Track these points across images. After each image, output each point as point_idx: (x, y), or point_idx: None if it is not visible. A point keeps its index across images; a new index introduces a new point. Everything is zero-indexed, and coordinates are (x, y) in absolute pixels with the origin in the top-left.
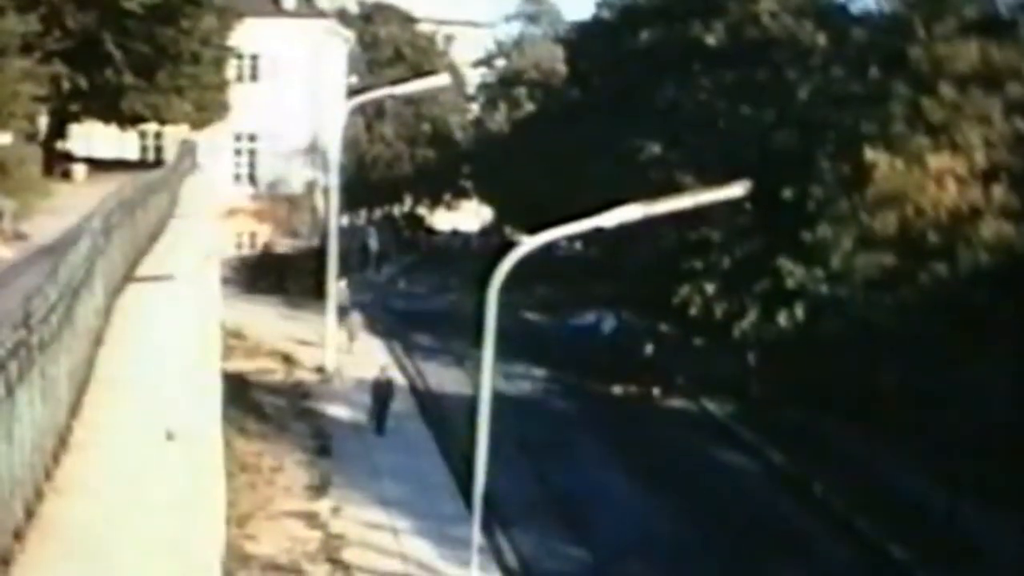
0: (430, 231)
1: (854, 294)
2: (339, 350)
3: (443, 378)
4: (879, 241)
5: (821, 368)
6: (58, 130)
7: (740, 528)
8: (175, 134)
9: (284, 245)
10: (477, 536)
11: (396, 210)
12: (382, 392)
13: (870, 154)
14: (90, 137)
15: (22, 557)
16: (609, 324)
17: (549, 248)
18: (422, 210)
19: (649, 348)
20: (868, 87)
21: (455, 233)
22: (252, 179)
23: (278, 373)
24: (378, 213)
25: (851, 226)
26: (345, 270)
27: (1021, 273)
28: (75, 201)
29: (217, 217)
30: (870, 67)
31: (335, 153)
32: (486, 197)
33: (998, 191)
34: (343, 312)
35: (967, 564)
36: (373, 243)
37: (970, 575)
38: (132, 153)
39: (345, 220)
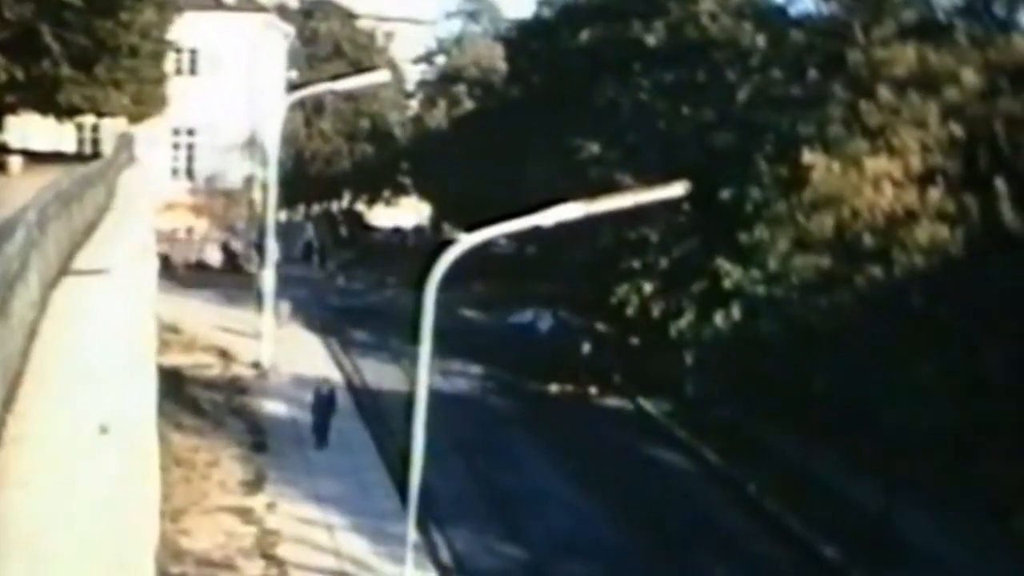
0: (368, 227)
1: (790, 295)
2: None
3: (380, 375)
4: (816, 243)
5: (757, 368)
6: None
7: (673, 527)
8: (113, 127)
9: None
10: (412, 533)
11: (335, 206)
12: (324, 404)
13: (808, 156)
14: (26, 129)
15: None
16: (546, 322)
17: (487, 246)
18: (360, 206)
19: (586, 347)
20: (806, 89)
21: (396, 230)
22: (190, 173)
23: (214, 368)
24: (316, 209)
25: (788, 228)
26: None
27: (956, 276)
28: (10, 193)
29: (154, 211)
30: (808, 69)
31: (273, 148)
32: (425, 194)
33: (934, 194)
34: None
35: (900, 565)
36: (310, 238)
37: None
38: (69, 145)
39: (283, 215)
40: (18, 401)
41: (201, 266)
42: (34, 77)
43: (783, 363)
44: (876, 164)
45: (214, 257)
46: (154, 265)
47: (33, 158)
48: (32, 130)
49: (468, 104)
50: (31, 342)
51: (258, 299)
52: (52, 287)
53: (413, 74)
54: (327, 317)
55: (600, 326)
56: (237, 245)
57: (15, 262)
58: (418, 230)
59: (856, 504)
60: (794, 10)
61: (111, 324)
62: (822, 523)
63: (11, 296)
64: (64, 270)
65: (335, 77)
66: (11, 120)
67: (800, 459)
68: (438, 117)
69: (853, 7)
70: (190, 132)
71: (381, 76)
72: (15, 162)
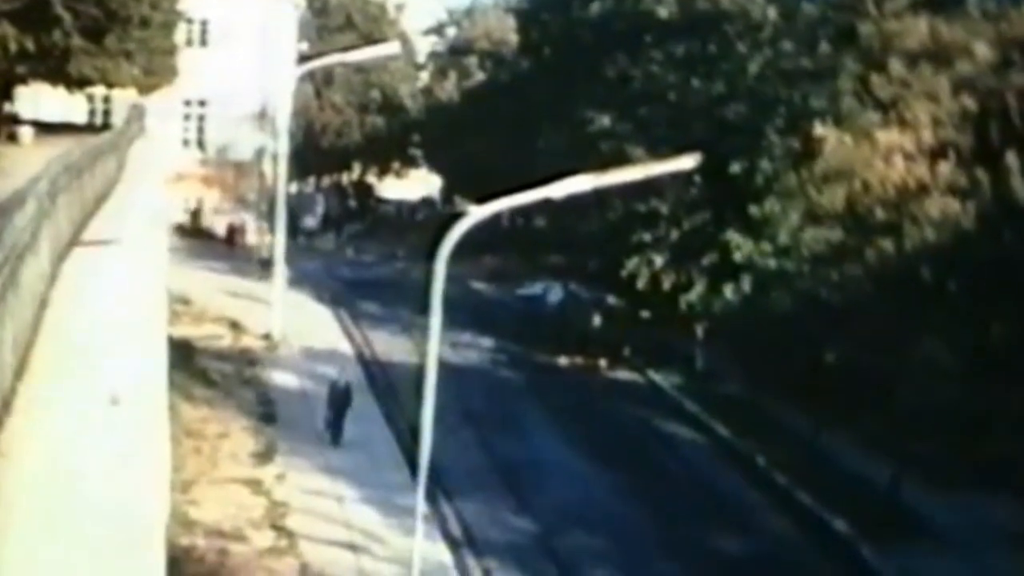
0: (378, 199)
1: (801, 268)
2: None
3: (390, 347)
4: (826, 216)
5: (767, 342)
6: (4, 92)
7: (683, 500)
8: (124, 98)
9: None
10: (422, 505)
11: (345, 178)
12: (339, 398)
13: (819, 129)
14: (37, 100)
15: None
16: (556, 295)
17: (498, 218)
18: (371, 178)
19: (596, 319)
20: (818, 62)
21: (406, 202)
22: (200, 144)
23: (225, 339)
24: (327, 181)
25: (799, 200)
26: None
27: (967, 250)
28: (21, 164)
29: (165, 182)
30: (820, 42)
31: (284, 120)
32: (435, 166)
33: (945, 168)
34: (266, 264)
35: (909, 540)
36: (320, 210)
37: (912, 550)
38: (80, 116)
39: (294, 187)
40: (29, 371)
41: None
42: (45, 48)
43: (793, 336)
44: (887, 137)
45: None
46: (164, 236)
47: (44, 129)
48: (43, 101)
49: (479, 76)
50: (42, 312)
51: (261, 268)
52: (63, 258)
53: (424, 46)
54: (337, 289)
55: (610, 299)
56: (235, 218)
57: (26, 233)
58: (428, 202)
59: (865, 478)
60: None
61: (121, 295)
62: (831, 497)
63: (22, 267)
64: (75, 241)
65: (346, 49)
66: (22, 91)
67: (810, 433)
68: (449, 89)
69: None
70: (201, 103)
71: (392, 48)
72: (26, 133)
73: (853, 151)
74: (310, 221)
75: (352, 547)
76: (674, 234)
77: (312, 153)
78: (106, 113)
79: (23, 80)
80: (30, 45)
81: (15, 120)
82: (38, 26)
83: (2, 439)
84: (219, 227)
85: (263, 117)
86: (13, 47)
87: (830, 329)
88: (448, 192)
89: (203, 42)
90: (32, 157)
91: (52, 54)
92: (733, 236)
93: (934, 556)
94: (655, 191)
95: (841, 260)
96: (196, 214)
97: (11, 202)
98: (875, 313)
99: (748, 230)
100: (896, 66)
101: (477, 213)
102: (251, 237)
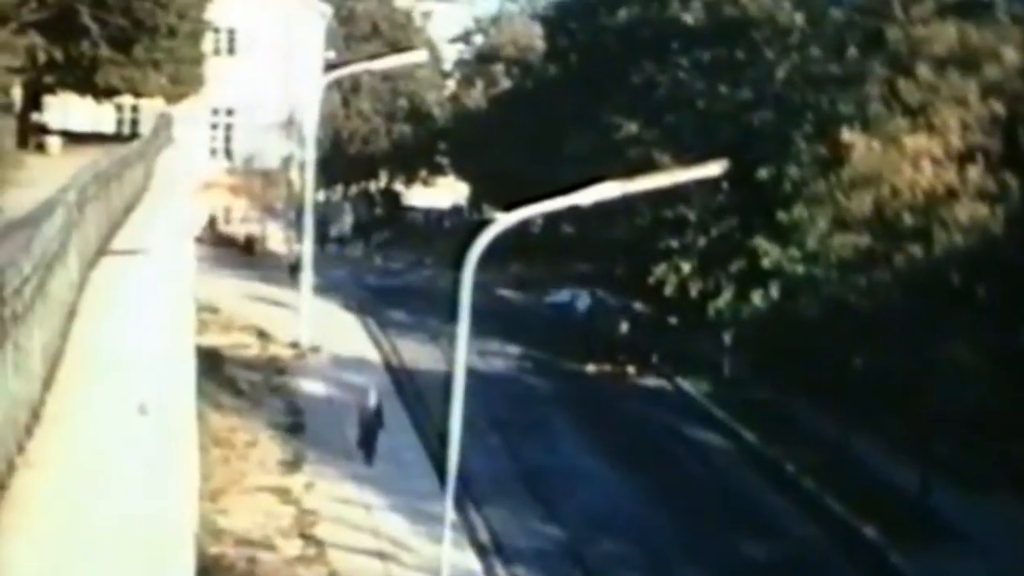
0: (405, 208)
1: (829, 274)
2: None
3: (418, 355)
4: (855, 222)
5: (795, 348)
6: (33, 102)
7: (711, 507)
8: (151, 107)
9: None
10: (450, 512)
11: (372, 186)
12: (370, 419)
13: (847, 135)
14: (66, 109)
15: None
16: (584, 302)
17: (525, 225)
18: (398, 186)
19: (624, 326)
20: (845, 68)
21: (433, 210)
22: (228, 153)
23: (253, 348)
24: (354, 189)
25: (827, 206)
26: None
27: (996, 255)
28: (49, 174)
29: (192, 191)
30: (848, 47)
31: (311, 128)
32: (462, 174)
33: (974, 172)
34: (295, 269)
35: (938, 543)
36: (348, 218)
37: (941, 554)
38: (108, 126)
39: (321, 195)
40: (57, 381)
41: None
42: (73, 58)
43: (821, 342)
44: (916, 142)
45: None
46: (192, 245)
47: (72, 139)
48: (71, 111)
49: (505, 83)
50: (70, 322)
51: (289, 276)
52: (91, 267)
53: (450, 53)
54: (365, 297)
55: (638, 305)
56: (254, 227)
57: (54, 242)
58: (455, 210)
59: (894, 483)
60: None
61: (150, 304)
62: (859, 502)
63: (50, 276)
64: (103, 250)
65: (372, 57)
66: (50, 101)
67: (838, 439)
68: (475, 97)
69: None
70: (228, 112)
71: (418, 56)
72: (54, 143)
73: (881, 156)
74: (339, 229)
75: (380, 555)
76: (701, 241)
77: (339, 161)
78: (134, 123)
79: (51, 90)
80: (58, 55)
81: (44, 130)
82: (66, 36)
83: (31, 449)
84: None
85: (290, 125)
86: (42, 57)
87: (858, 334)
88: (475, 200)
89: (230, 51)
90: (60, 167)
91: (80, 64)
92: (761, 242)
93: (964, 560)
94: (682, 198)
95: (869, 266)
96: (212, 222)
97: (40, 212)
98: (903, 318)
99: (776, 236)
100: (924, 71)
101: (504, 220)
102: (277, 245)
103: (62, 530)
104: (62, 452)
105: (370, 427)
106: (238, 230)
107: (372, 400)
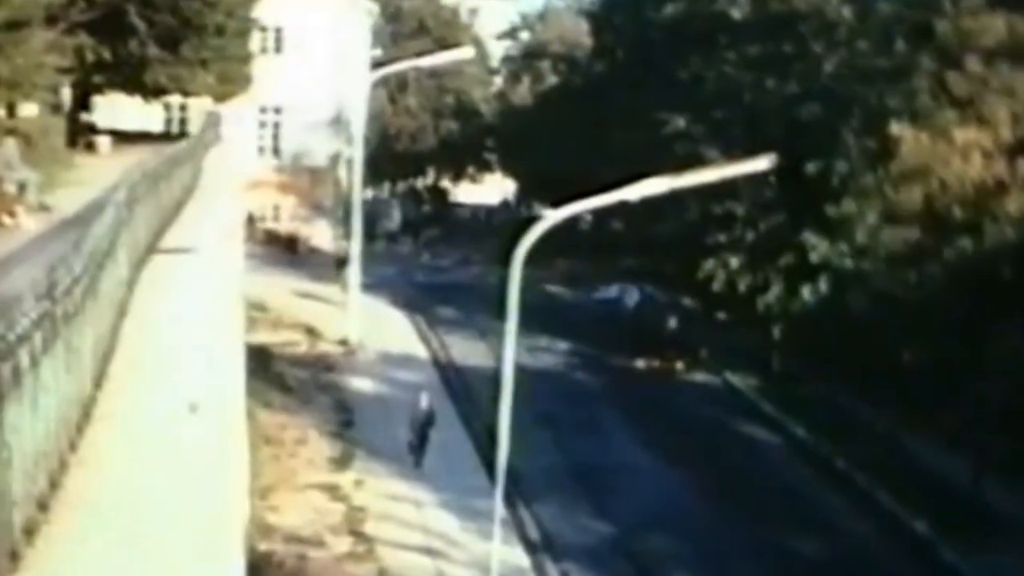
0: (453, 204)
1: (878, 268)
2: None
3: (466, 351)
4: (904, 215)
5: (845, 342)
6: (82, 102)
7: (761, 502)
8: (199, 106)
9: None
10: (500, 509)
11: (420, 183)
12: (422, 423)
13: (895, 128)
14: (115, 109)
15: (46, 528)
16: (632, 298)
17: (573, 221)
18: (445, 183)
19: (672, 322)
20: (894, 61)
21: (481, 207)
22: (276, 151)
23: (301, 345)
24: (402, 186)
25: (876, 200)
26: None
27: None
28: (99, 173)
29: (241, 189)
30: (896, 41)
31: (359, 125)
32: (510, 170)
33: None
34: (342, 264)
35: (991, 539)
36: (397, 215)
37: (994, 551)
38: (156, 125)
39: (369, 193)
40: (109, 379)
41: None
42: (121, 58)
43: (871, 337)
44: (965, 135)
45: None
46: (241, 243)
47: (121, 138)
48: (120, 110)
49: (552, 79)
50: (120, 320)
51: (339, 271)
52: (141, 266)
53: (497, 50)
54: (413, 294)
55: (686, 301)
56: (297, 226)
57: (105, 241)
58: (503, 206)
59: (945, 478)
60: None
61: (199, 302)
62: (911, 497)
63: (101, 275)
64: (153, 249)
65: (419, 54)
66: (99, 101)
67: (889, 433)
68: (522, 93)
69: None
70: (276, 110)
71: (465, 52)
72: (103, 142)
73: (930, 150)
74: (387, 226)
75: (430, 552)
76: (750, 235)
77: (387, 158)
78: (182, 121)
79: (100, 90)
80: (107, 55)
81: (93, 130)
82: (114, 36)
83: (83, 447)
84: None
85: (338, 123)
86: (90, 57)
87: (908, 328)
88: (523, 196)
89: (278, 49)
90: (110, 166)
91: (129, 64)
92: (809, 237)
93: (1017, 555)
94: (731, 193)
95: (919, 259)
96: (251, 220)
97: (90, 211)
98: (953, 311)
99: (825, 231)
100: (973, 63)
101: (552, 216)
102: (325, 243)
103: (113, 527)
104: (113, 450)
105: (422, 431)
106: (286, 228)
107: (424, 403)
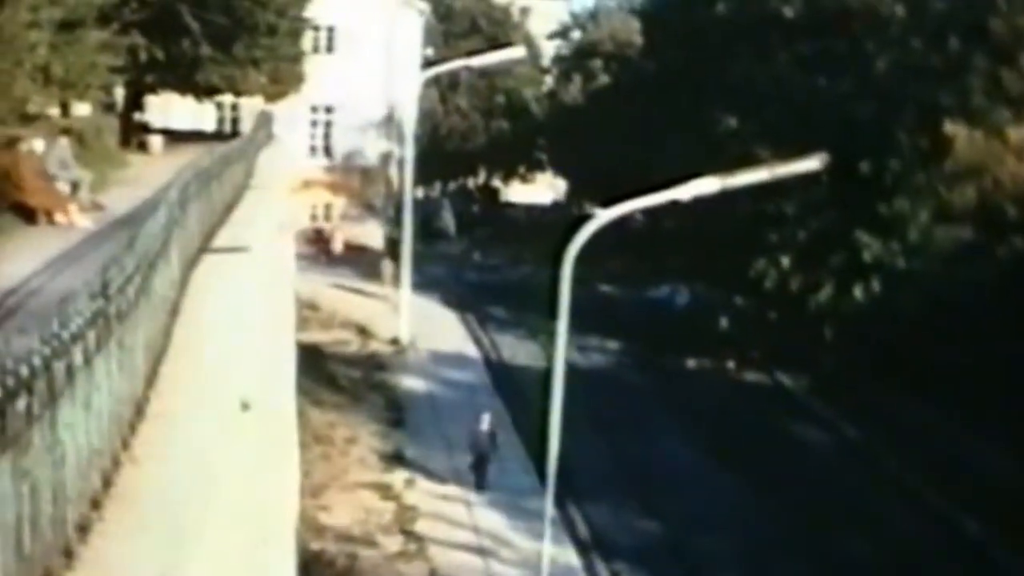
0: (504, 204)
1: (931, 267)
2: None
3: (517, 350)
4: (957, 214)
5: (897, 342)
6: (135, 101)
7: (813, 503)
8: (251, 105)
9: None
10: (550, 508)
11: (471, 182)
12: (482, 444)
13: (949, 126)
14: (167, 108)
15: (100, 525)
16: (683, 297)
17: (624, 220)
18: (496, 182)
19: (724, 321)
20: (947, 59)
21: (532, 206)
22: (327, 151)
23: (352, 344)
24: (452, 185)
25: (929, 199)
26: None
27: None
28: (151, 172)
29: (292, 189)
30: (949, 38)
31: (410, 125)
32: (561, 170)
33: None
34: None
35: None
36: (450, 215)
37: None
38: (208, 124)
39: (420, 192)
40: (161, 377)
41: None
42: (173, 57)
43: (924, 336)
44: (1019, 133)
45: None
46: (292, 243)
47: (173, 137)
48: (172, 110)
49: (604, 79)
50: (173, 319)
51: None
52: (193, 265)
53: (548, 49)
54: (464, 293)
55: (738, 300)
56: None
57: (157, 241)
58: (554, 206)
59: (1000, 480)
60: None
61: (251, 301)
62: (964, 498)
63: (153, 274)
64: (205, 248)
65: (471, 53)
66: (152, 100)
67: (941, 434)
68: (574, 92)
69: None
70: (327, 110)
71: (517, 52)
72: (156, 141)
73: (984, 148)
74: (440, 225)
75: (481, 551)
76: (802, 234)
77: (438, 158)
78: (234, 121)
79: (153, 89)
80: (160, 55)
81: (145, 129)
82: (167, 36)
83: (135, 445)
84: (345, 233)
85: (389, 123)
86: (143, 57)
87: (962, 328)
88: (574, 195)
89: (330, 49)
90: (162, 165)
91: (181, 63)
92: (862, 236)
93: None
94: (782, 192)
95: (972, 258)
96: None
97: (143, 211)
98: (1006, 310)
99: (877, 229)
100: None
101: (603, 216)
102: (376, 242)
103: (166, 525)
104: (166, 449)
105: (483, 452)
106: (327, 227)
107: (485, 424)
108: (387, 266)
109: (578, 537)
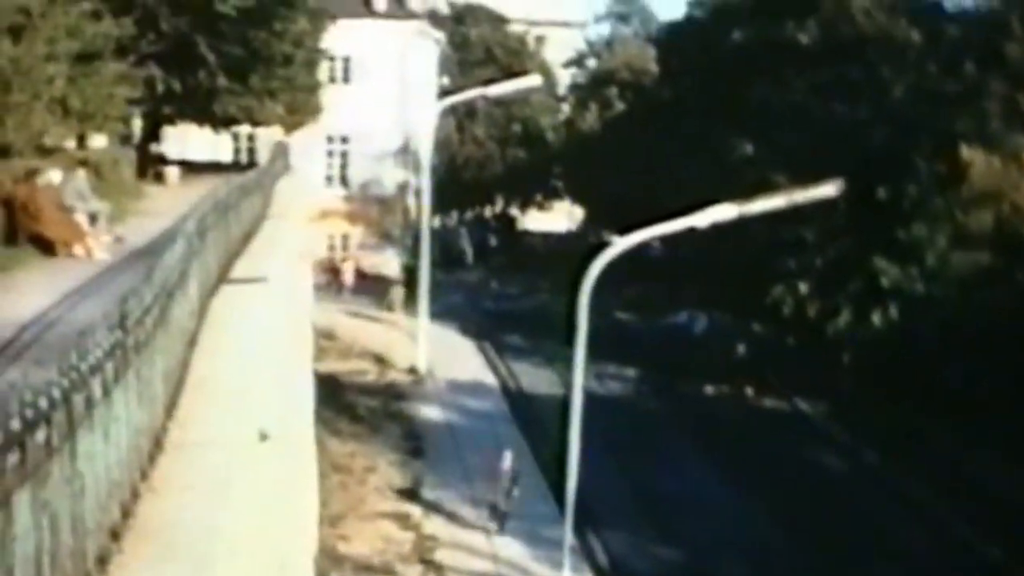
0: (521, 232)
1: (949, 293)
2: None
3: (534, 379)
4: (975, 239)
5: (916, 368)
6: (152, 132)
7: (832, 529)
8: (268, 136)
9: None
10: (569, 536)
11: (487, 211)
12: (506, 484)
13: (965, 152)
14: (183, 139)
15: (119, 556)
16: (701, 324)
17: (641, 248)
18: (513, 211)
19: (741, 348)
20: (963, 84)
21: (549, 235)
22: (344, 181)
23: (370, 374)
24: (469, 214)
25: (946, 224)
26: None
27: None
28: (169, 203)
29: (309, 219)
30: (965, 64)
31: (426, 154)
32: (578, 197)
33: None
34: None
35: None
36: (465, 244)
37: None
38: (225, 155)
39: (437, 221)
40: (180, 408)
41: None
42: (190, 88)
43: (943, 362)
44: None
45: None
46: (309, 273)
47: (190, 168)
48: (189, 141)
49: (620, 107)
50: (191, 350)
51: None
52: (211, 295)
53: (564, 78)
54: (482, 321)
55: (756, 327)
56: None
57: (175, 272)
58: (571, 234)
59: (1021, 504)
60: (950, 4)
61: (269, 331)
62: (984, 522)
63: (172, 305)
64: (223, 278)
65: (487, 82)
66: (168, 131)
67: (962, 460)
68: (590, 120)
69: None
70: (344, 140)
71: (533, 80)
72: (173, 172)
73: (1001, 173)
74: (456, 254)
75: None
76: (819, 261)
77: (454, 187)
78: (251, 151)
79: (170, 120)
80: (177, 86)
81: (162, 160)
82: (184, 67)
83: (154, 476)
84: (362, 263)
85: (405, 152)
86: (160, 88)
87: (980, 353)
88: (591, 223)
89: (346, 79)
90: (180, 196)
91: (198, 94)
92: (879, 261)
93: None
94: (799, 218)
95: (991, 283)
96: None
97: (161, 241)
98: None
99: (895, 255)
100: None
101: (620, 243)
102: (392, 271)
103: (185, 556)
104: (184, 479)
105: (506, 493)
106: (336, 258)
107: (507, 463)
108: (396, 293)
109: (598, 565)
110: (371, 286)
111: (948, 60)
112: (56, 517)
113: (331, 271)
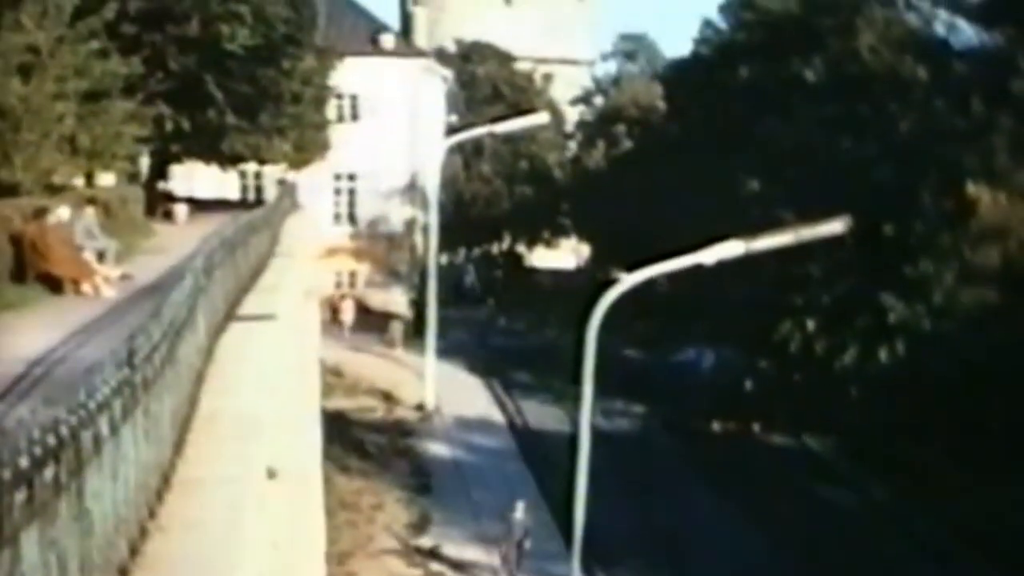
0: (528, 269)
1: (957, 329)
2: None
3: (542, 416)
4: (982, 276)
5: (924, 404)
6: (160, 170)
7: (840, 565)
8: (275, 174)
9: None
10: (577, 573)
11: (495, 248)
12: (519, 535)
13: (972, 188)
14: (191, 177)
15: None
16: (708, 360)
17: (648, 284)
18: (520, 248)
19: (749, 384)
20: (970, 121)
21: (556, 272)
22: (352, 218)
23: (378, 411)
24: (477, 251)
25: (953, 261)
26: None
27: None
28: (177, 241)
29: (317, 256)
30: (972, 100)
31: (433, 191)
32: (585, 234)
33: None
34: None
35: None
36: (472, 281)
37: None
38: (233, 193)
39: (444, 258)
40: (188, 445)
41: None
42: (198, 126)
43: (950, 398)
44: None
45: None
46: (317, 310)
47: (198, 206)
48: (197, 178)
49: (627, 144)
50: (199, 388)
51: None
52: (219, 333)
53: (571, 115)
54: (489, 358)
55: (763, 363)
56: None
57: (183, 309)
58: (578, 271)
59: None
60: (956, 41)
61: (276, 369)
62: (994, 559)
63: (179, 342)
64: (231, 316)
65: (494, 120)
66: (176, 169)
67: (970, 495)
68: (597, 157)
69: (1017, 37)
70: (351, 177)
71: (540, 118)
72: (181, 210)
73: (1008, 209)
74: (464, 291)
75: None
76: (826, 297)
77: (462, 224)
78: (258, 189)
79: (178, 158)
80: (185, 124)
81: (170, 198)
82: (192, 105)
83: (162, 514)
84: (369, 300)
85: (413, 189)
86: (169, 126)
87: (987, 388)
88: (598, 259)
89: (354, 117)
90: (187, 234)
91: (206, 132)
92: (887, 298)
93: None
94: (807, 254)
95: (998, 320)
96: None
97: (169, 279)
98: None
99: (902, 292)
100: None
101: (628, 280)
102: (401, 308)
103: None
104: (192, 516)
105: (518, 543)
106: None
107: (519, 513)
108: (396, 328)
109: None
110: (378, 322)
111: (955, 97)
112: (64, 555)
113: (330, 309)
